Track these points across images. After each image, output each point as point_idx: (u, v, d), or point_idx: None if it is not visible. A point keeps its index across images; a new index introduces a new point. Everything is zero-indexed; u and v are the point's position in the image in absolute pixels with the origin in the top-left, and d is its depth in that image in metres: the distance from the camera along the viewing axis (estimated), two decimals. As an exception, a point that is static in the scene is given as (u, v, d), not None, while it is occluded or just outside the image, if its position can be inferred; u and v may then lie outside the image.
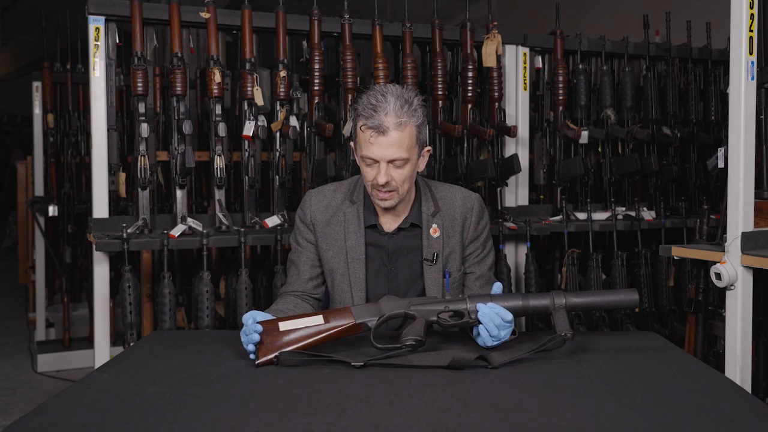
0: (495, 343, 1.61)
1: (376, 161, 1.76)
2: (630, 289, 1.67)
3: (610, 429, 1.20)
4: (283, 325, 1.59)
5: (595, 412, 1.27)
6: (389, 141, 1.73)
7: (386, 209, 1.88)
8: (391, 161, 1.76)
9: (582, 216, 3.21)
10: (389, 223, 1.92)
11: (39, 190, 4.60)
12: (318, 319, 1.61)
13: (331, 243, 1.92)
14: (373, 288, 1.91)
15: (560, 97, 3.21)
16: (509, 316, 1.59)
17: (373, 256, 1.91)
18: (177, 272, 3.31)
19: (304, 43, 2.91)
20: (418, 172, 1.89)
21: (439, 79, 2.96)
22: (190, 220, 2.71)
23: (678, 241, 3.31)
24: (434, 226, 1.91)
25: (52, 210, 4.30)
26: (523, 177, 3.26)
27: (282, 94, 2.79)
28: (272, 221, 2.80)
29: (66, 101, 4.38)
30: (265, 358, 1.54)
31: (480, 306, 1.60)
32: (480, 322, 1.60)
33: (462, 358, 1.51)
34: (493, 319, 1.58)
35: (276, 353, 1.54)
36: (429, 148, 1.89)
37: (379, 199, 1.82)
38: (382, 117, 1.72)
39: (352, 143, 1.91)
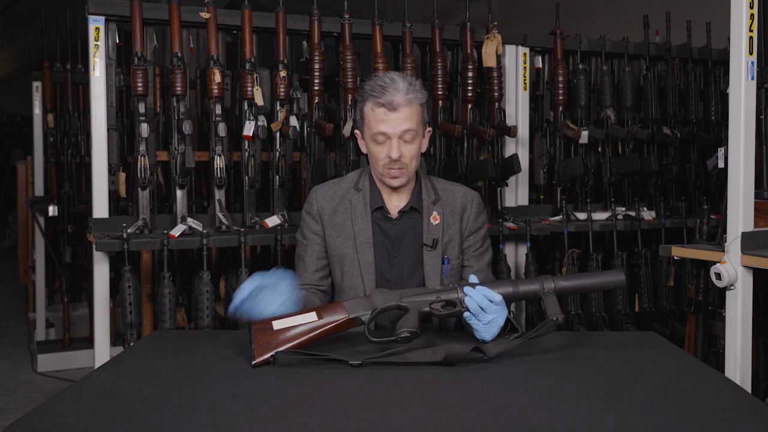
0: (486, 325, 1.62)
1: (388, 137, 1.85)
2: (616, 270, 1.68)
3: (610, 429, 1.20)
4: (277, 324, 1.59)
5: (595, 412, 1.27)
6: (400, 116, 1.84)
7: (394, 189, 1.94)
8: (402, 135, 1.85)
9: (582, 216, 3.21)
10: (393, 208, 1.97)
11: (39, 190, 4.60)
12: (311, 316, 1.62)
13: (339, 230, 1.97)
14: (379, 272, 1.95)
15: (560, 97, 3.21)
16: (498, 297, 1.61)
17: (377, 241, 1.96)
18: (177, 272, 3.31)
19: (304, 43, 2.91)
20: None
21: (439, 79, 2.96)
22: (190, 220, 2.71)
23: (678, 241, 3.31)
24: (434, 213, 1.97)
25: (52, 210, 4.30)
26: (523, 177, 3.26)
27: (282, 94, 2.79)
28: (272, 221, 2.80)
29: (66, 101, 4.37)
30: (261, 358, 1.54)
31: (467, 289, 1.62)
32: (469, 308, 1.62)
33: (457, 351, 1.51)
34: (481, 302, 1.60)
35: (272, 353, 1.54)
36: (430, 129, 1.99)
37: (390, 177, 1.90)
38: (393, 95, 1.84)
39: (357, 131, 1.98)
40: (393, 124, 1.84)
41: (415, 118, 1.86)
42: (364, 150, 1.96)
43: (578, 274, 1.74)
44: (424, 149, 1.95)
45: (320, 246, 1.99)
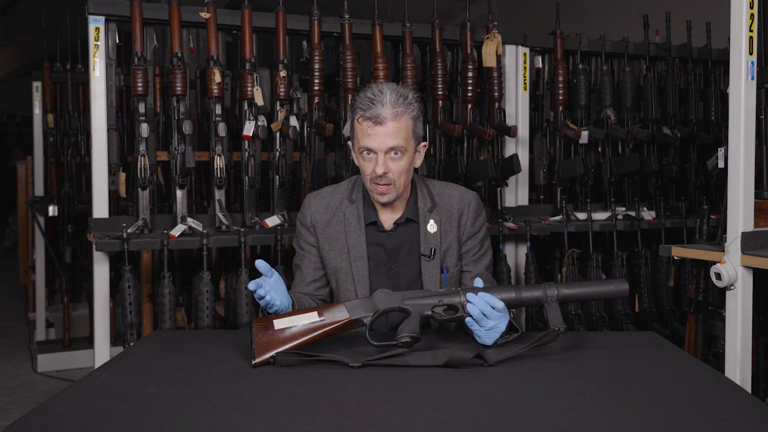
0: (488, 331, 1.61)
1: (374, 152, 1.81)
2: (620, 279, 1.68)
3: (610, 429, 1.20)
4: (278, 323, 1.59)
5: (595, 412, 1.27)
6: (386, 131, 1.79)
7: (384, 204, 1.90)
8: (388, 151, 1.80)
9: (582, 216, 3.21)
10: (388, 221, 1.93)
11: (39, 190, 4.60)
12: (313, 316, 1.61)
13: (332, 243, 1.94)
14: (375, 285, 1.92)
15: (560, 97, 3.21)
16: (500, 304, 1.60)
17: (372, 254, 1.93)
18: (177, 272, 3.31)
19: (304, 43, 2.91)
20: (415, 170, 1.93)
21: (439, 79, 2.96)
22: (190, 220, 2.71)
23: (678, 241, 3.31)
24: (431, 221, 1.93)
25: (52, 210, 4.31)
26: (523, 177, 3.26)
27: (282, 94, 2.79)
28: (272, 221, 2.80)
29: (66, 101, 4.38)
30: (261, 358, 1.54)
31: (470, 295, 1.61)
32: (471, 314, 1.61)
33: (458, 356, 1.51)
34: (483, 309, 1.59)
35: (272, 353, 1.54)
36: (425, 143, 1.93)
37: (377, 193, 1.85)
38: (380, 108, 1.78)
39: (350, 142, 1.94)
40: (379, 139, 1.78)
41: (403, 133, 1.80)
42: (357, 163, 1.92)
43: (581, 282, 1.73)
44: (418, 164, 1.90)
45: (316, 257, 1.97)
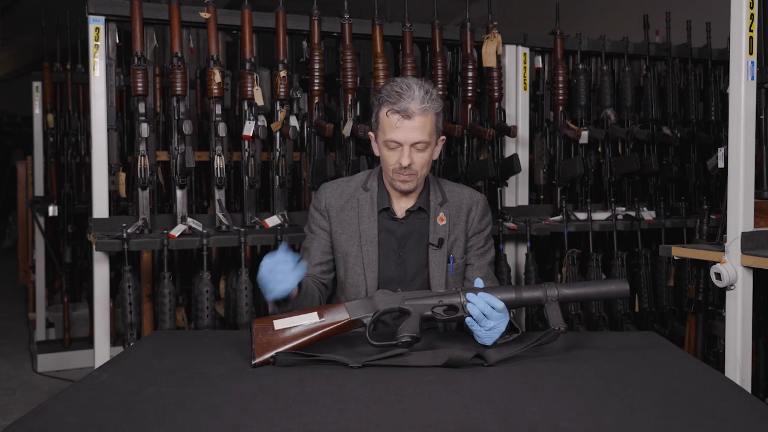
0: (488, 332, 1.62)
1: (400, 144, 1.87)
2: (620, 279, 1.68)
3: (610, 429, 1.20)
4: (278, 323, 1.60)
5: (595, 412, 1.27)
6: (413, 125, 1.85)
7: (401, 193, 1.97)
8: (414, 144, 1.87)
9: (582, 216, 3.21)
10: (401, 209, 2.00)
11: (39, 190, 4.60)
12: (313, 316, 1.62)
13: (345, 227, 1.99)
14: (383, 271, 1.97)
15: (560, 97, 3.21)
16: (500, 304, 1.61)
17: (383, 240, 1.98)
18: (177, 272, 3.31)
19: (304, 43, 2.91)
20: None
21: (439, 79, 2.96)
22: (190, 220, 2.71)
23: (678, 241, 3.31)
24: (441, 214, 2.00)
25: (52, 210, 4.31)
26: (523, 177, 3.26)
27: (282, 94, 2.79)
28: (272, 221, 2.80)
29: (66, 101, 4.38)
30: (261, 358, 1.54)
31: (470, 296, 1.62)
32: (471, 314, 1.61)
33: (458, 356, 1.52)
34: (483, 309, 1.60)
35: (272, 353, 1.54)
36: (443, 137, 2.00)
37: (400, 181, 1.92)
38: (408, 103, 1.84)
39: (371, 134, 1.99)
40: (406, 132, 1.85)
41: (428, 127, 1.87)
42: (376, 152, 1.98)
43: (582, 282, 1.74)
44: (436, 156, 1.97)
45: (326, 241, 2.01)
